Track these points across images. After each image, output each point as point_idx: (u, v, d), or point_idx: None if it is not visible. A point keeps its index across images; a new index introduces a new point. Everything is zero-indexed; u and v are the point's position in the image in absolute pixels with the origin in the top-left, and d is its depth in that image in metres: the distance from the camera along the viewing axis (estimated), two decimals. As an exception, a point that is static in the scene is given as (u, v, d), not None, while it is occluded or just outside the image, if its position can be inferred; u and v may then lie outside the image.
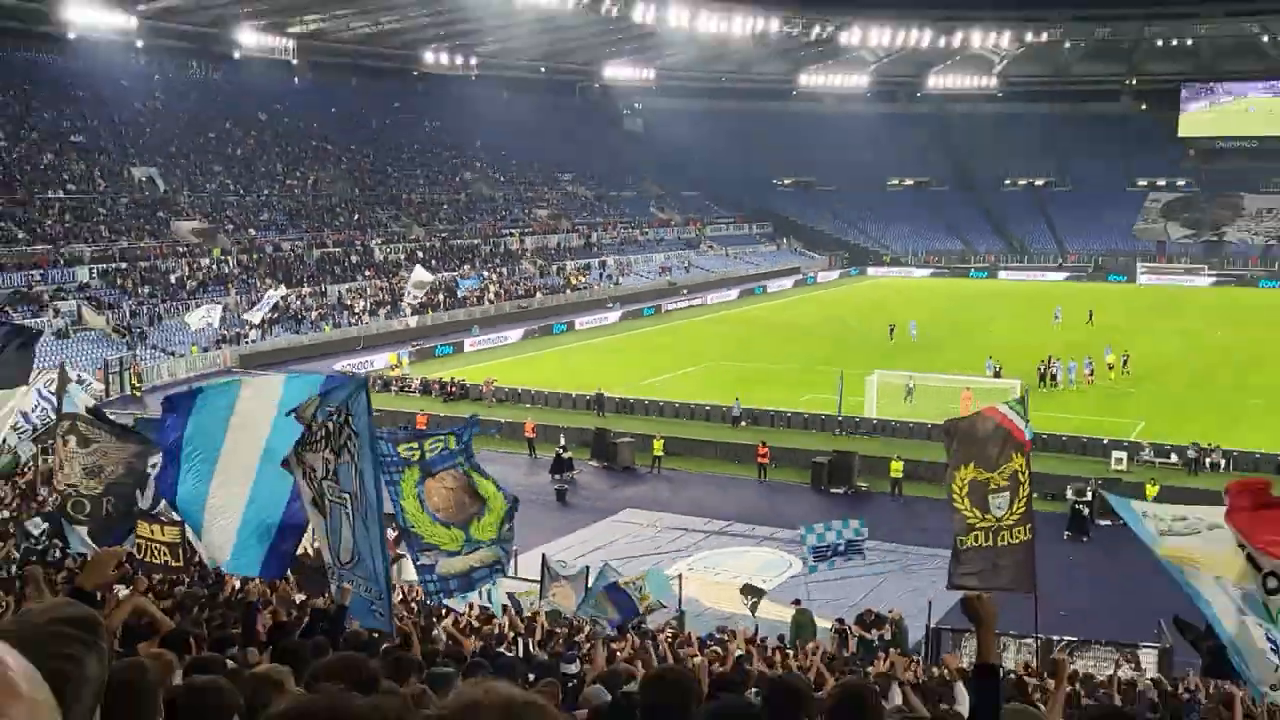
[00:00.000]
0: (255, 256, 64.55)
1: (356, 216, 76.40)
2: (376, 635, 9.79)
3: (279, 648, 7.30)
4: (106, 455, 12.65)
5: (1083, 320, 64.38)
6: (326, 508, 9.69)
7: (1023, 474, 15.82)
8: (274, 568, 11.10)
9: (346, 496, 9.26)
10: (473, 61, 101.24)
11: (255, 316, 54.26)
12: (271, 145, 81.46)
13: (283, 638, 8.13)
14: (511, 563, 18.82)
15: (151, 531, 14.33)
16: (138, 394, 46.72)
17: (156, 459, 11.97)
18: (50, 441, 15.37)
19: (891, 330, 59.54)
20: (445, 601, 14.51)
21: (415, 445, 10.75)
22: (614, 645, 15.11)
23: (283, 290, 56.95)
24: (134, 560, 14.13)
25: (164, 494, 10.87)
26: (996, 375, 45.49)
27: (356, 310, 62.99)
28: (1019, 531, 15.80)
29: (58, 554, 16.13)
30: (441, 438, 10.99)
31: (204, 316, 50.45)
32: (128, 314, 54.00)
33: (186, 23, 79.87)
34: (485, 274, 74.41)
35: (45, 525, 19.52)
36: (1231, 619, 11.14)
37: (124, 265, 57.89)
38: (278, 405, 10.32)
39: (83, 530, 12.48)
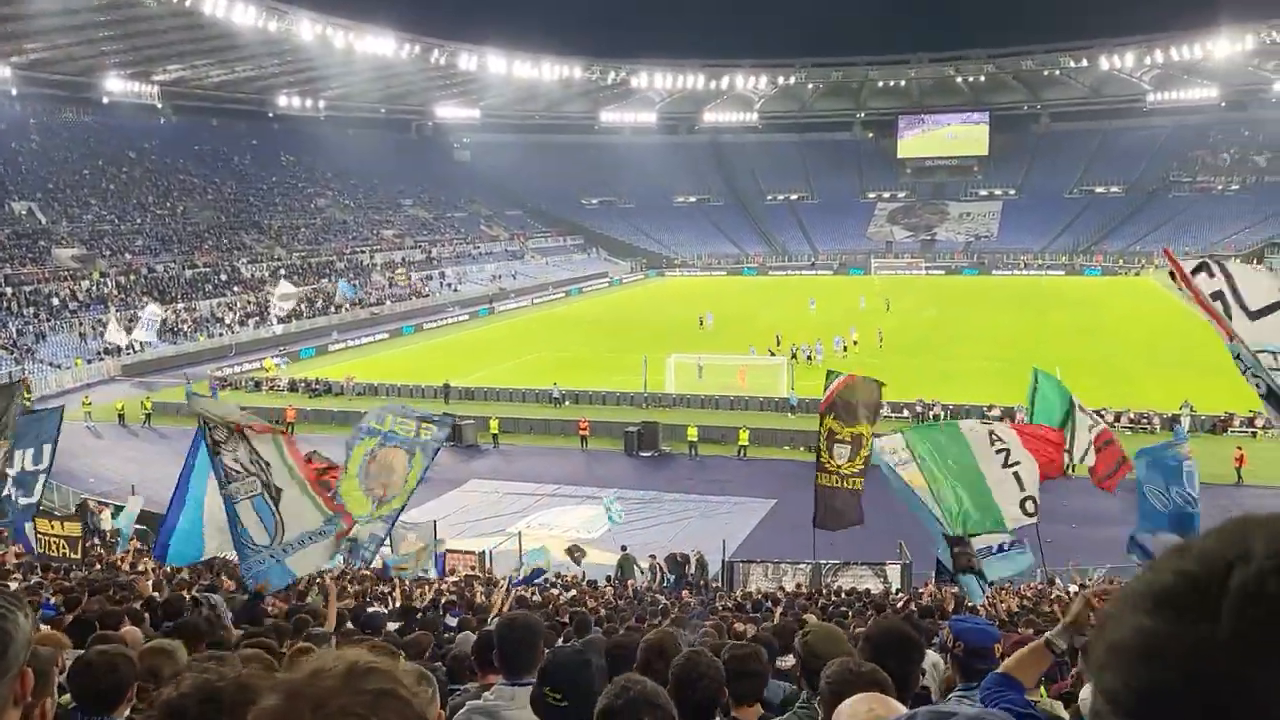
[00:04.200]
0: (132, 277, 60.55)
1: (223, 240, 72.51)
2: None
3: (178, 625, 6.92)
4: None
5: (882, 308, 66.07)
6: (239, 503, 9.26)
7: (866, 438, 16.44)
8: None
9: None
10: (321, 104, 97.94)
11: (148, 335, 50.61)
12: (142, 180, 76.40)
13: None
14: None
15: (52, 526, 13.37)
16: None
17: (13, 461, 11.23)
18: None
19: (701, 320, 60.35)
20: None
21: (395, 420, 10.65)
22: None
23: (159, 310, 52.93)
24: (36, 554, 13.15)
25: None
26: (810, 359, 45.39)
27: (227, 322, 59.86)
28: (854, 481, 16.55)
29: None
30: (426, 426, 10.74)
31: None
32: (14, 333, 49.85)
33: (57, 72, 74.62)
34: (359, 283, 71.85)
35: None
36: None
37: (8, 290, 53.43)
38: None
39: None
